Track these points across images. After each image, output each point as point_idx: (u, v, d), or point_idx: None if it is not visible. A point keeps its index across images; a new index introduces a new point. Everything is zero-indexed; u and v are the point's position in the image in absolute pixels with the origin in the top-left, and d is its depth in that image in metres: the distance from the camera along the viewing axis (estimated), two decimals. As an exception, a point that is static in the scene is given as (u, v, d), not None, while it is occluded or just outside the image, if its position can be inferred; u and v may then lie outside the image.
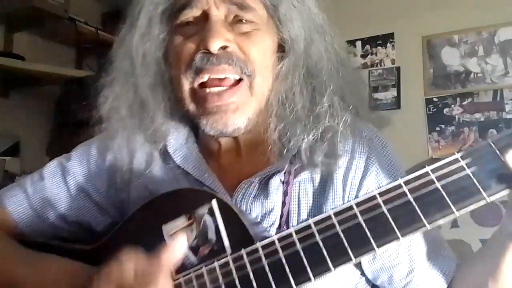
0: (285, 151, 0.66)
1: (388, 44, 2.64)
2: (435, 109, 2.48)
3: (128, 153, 0.73)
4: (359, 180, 0.65)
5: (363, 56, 2.72)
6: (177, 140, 0.73)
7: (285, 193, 0.65)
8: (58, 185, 0.77)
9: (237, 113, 0.65)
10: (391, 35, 2.64)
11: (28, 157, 2.61)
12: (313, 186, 0.66)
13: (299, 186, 0.66)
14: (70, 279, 0.60)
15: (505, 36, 2.35)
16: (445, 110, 2.46)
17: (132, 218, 0.66)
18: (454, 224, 2.11)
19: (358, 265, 0.66)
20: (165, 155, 0.72)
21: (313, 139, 0.65)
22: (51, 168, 0.80)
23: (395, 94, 2.60)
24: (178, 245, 0.52)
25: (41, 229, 0.76)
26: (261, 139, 0.69)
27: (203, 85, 0.66)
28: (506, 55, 2.36)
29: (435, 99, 2.50)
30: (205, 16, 0.66)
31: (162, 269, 0.50)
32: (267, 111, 0.68)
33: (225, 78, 0.65)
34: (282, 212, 0.64)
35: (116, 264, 0.51)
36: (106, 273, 0.51)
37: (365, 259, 0.64)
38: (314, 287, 0.55)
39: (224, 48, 0.64)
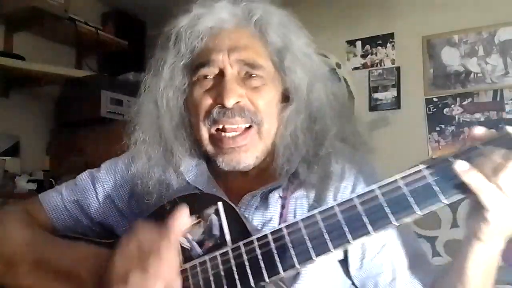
0: (285, 172, 0.77)
1: (388, 44, 2.65)
2: (435, 109, 2.48)
3: (153, 185, 0.82)
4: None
5: (363, 56, 2.72)
6: (190, 163, 0.84)
7: (282, 206, 0.75)
8: (88, 190, 0.89)
9: (248, 153, 0.76)
10: (391, 35, 2.64)
11: (28, 157, 2.61)
12: (308, 202, 0.76)
13: (296, 201, 0.76)
14: (95, 259, 0.69)
15: (505, 36, 2.35)
16: (445, 110, 2.46)
17: (150, 216, 0.75)
18: (454, 224, 2.11)
19: (348, 274, 0.75)
20: (179, 175, 0.83)
21: (312, 166, 0.75)
22: (84, 176, 0.92)
23: (395, 94, 2.60)
24: (180, 213, 0.60)
25: (71, 226, 0.88)
26: (266, 168, 0.80)
27: (219, 129, 0.77)
28: (506, 55, 2.37)
29: (435, 99, 2.50)
30: (221, 72, 0.77)
31: (167, 239, 0.58)
32: (273, 149, 0.79)
33: (238, 126, 0.77)
34: (279, 222, 0.74)
35: (130, 238, 0.60)
36: (123, 247, 0.60)
37: (353, 268, 0.73)
38: None
39: (237, 103, 0.75)
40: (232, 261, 0.63)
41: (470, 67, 2.43)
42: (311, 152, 0.76)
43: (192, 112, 0.81)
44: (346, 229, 0.57)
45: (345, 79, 2.75)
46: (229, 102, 0.74)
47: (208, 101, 0.77)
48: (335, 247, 0.58)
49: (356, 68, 2.73)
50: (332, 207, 0.59)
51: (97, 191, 0.89)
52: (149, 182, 0.82)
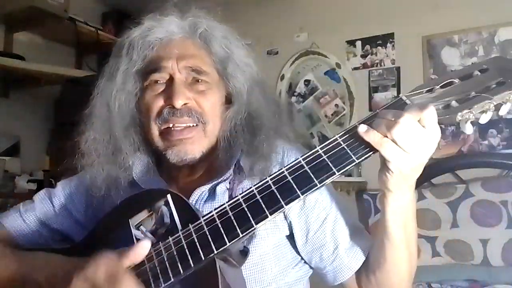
0: (229, 166, 0.86)
1: (388, 44, 2.64)
2: (435, 109, 2.48)
3: (103, 181, 0.89)
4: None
5: (363, 56, 2.72)
6: (142, 170, 0.92)
7: (230, 197, 0.82)
8: (46, 205, 0.96)
9: (194, 145, 0.85)
10: (391, 35, 2.64)
11: (28, 157, 2.61)
12: None
13: (242, 190, 0.82)
14: (52, 265, 0.76)
15: (505, 36, 2.35)
16: (445, 110, 2.46)
17: (105, 218, 0.83)
18: (454, 224, 2.10)
19: (297, 250, 0.84)
20: (133, 183, 0.91)
21: (253, 159, 0.84)
22: (41, 193, 1.00)
23: (395, 94, 2.60)
24: (141, 248, 0.68)
25: (32, 239, 0.94)
26: (210, 164, 0.89)
27: (168, 127, 0.86)
28: (506, 55, 2.36)
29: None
30: (171, 78, 0.86)
31: (127, 270, 0.65)
32: (216, 145, 0.88)
33: (185, 125, 0.85)
34: None
35: (92, 263, 0.65)
36: (83, 271, 0.65)
37: (299, 243, 0.83)
38: (259, 266, 0.79)
39: (185, 104, 0.83)
40: (183, 241, 0.69)
41: (470, 67, 2.43)
42: (248, 142, 0.85)
43: (143, 113, 0.88)
44: (279, 196, 0.66)
45: (345, 79, 2.75)
46: (178, 103, 0.82)
47: (159, 102, 0.85)
48: (271, 212, 0.66)
49: (356, 68, 2.73)
50: (266, 181, 0.68)
51: (54, 204, 0.96)
52: (98, 177, 0.89)
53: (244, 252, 0.74)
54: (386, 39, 2.65)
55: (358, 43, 2.73)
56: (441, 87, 0.67)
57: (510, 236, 1.96)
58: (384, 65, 2.65)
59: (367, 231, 0.87)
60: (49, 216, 0.95)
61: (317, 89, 2.83)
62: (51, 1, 2.30)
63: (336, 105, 2.77)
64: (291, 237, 0.84)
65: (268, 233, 0.81)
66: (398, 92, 2.59)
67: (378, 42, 2.67)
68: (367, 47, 2.70)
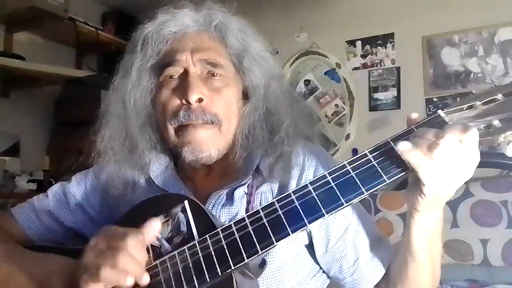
0: (248, 169, 0.83)
1: (388, 44, 2.65)
2: (435, 109, 2.47)
3: (120, 179, 0.88)
4: None
5: (363, 56, 2.72)
6: (158, 168, 0.89)
7: (248, 202, 0.80)
8: (60, 201, 0.94)
9: (209, 143, 0.82)
10: (391, 35, 2.64)
11: (28, 157, 2.61)
12: (272, 195, 0.82)
13: (261, 196, 0.81)
14: (66, 268, 0.72)
15: (505, 36, 2.35)
16: (445, 110, 2.46)
17: (120, 220, 0.78)
18: (454, 224, 2.10)
19: (315, 259, 0.81)
20: (149, 181, 0.89)
21: (272, 159, 0.82)
22: (55, 188, 0.97)
23: (395, 94, 2.60)
24: (152, 224, 0.64)
25: (46, 236, 0.92)
26: (228, 164, 0.85)
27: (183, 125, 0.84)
28: (506, 55, 2.36)
29: (435, 99, 2.50)
30: (185, 72, 0.83)
31: (135, 237, 0.62)
32: (234, 143, 0.85)
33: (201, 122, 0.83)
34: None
35: (100, 236, 0.64)
36: (92, 244, 0.63)
37: (318, 253, 0.80)
38: (278, 278, 0.76)
39: (200, 101, 0.81)
40: (200, 253, 0.66)
41: (470, 67, 2.43)
42: (267, 140, 0.83)
43: (159, 111, 0.86)
44: (302, 213, 0.63)
45: (345, 79, 2.75)
46: (193, 98, 0.79)
47: (174, 102, 0.82)
48: (293, 231, 0.63)
49: (356, 68, 2.73)
50: (289, 194, 0.65)
51: (69, 201, 0.94)
52: (115, 176, 0.87)
53: (262, 264, 0.71)
54: (386, 39, 2.65)
55: (358, 43, 2.73)
56: (483, 104, 0.61)
57: (510, 236, 1.96)
58: (384, 65, 2.65)
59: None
60: (62, 213, 0.93)
61: (317, 89, 2.83)
62: (51, 1, 2.30)
63: (336, 105, 2.77)
64: (310, 246, 0.81)
65: (288, 243, 0.77)
66: (398, 92, 2.59)
67: (378, 42, 2.67)
68: (367, 47, 2.70)
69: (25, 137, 2.60)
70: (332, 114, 2.77)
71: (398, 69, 2.61)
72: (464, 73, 2.44)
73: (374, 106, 2.66)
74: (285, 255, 0.77)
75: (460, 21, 2.42)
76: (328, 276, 0.85)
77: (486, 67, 2.40)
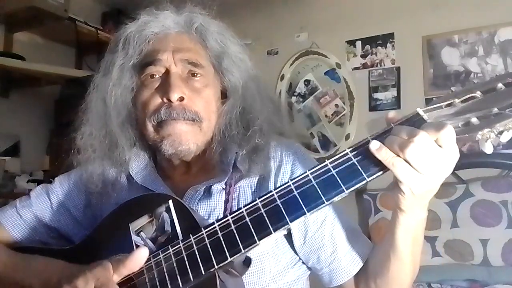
0: (225, 166, 0.85)
1: (388, 44, 2.64)
2: (435, 109, 2.48)
3: (99, 176, 0.90)
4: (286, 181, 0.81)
5: (363, 56, 2.72)
6: (138, 165, 0.92)
7: (227, 194, 0.82)
8: (43, 202, 0.95)
9: (189, 137, 0.84)
10: (391, 35, 2.64)
11: (28, 157, 2.61)
12: (251, 188, 0.84)
13: (239, 190, 0.84)
14: (48, 274, 0.75)
15: (505, 36, 2.35)
16: (445, 110, 2.45)
17: (105, 220, 0.81)
18: (454, 224, 2.10)
19: (295, 250, 0.83)
20: (129, 178, 0.91)
21: (247, 152, 0.84)
22: (37, 190, 0.98)
23: (395, 94, 2.60)
24: (139, 256, 0.67)
25: (30, 236, 0.93)
26: (206, 161, 0.89)
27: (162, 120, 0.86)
28: (506, 55, 2.36)
29: (435, 99, 2.48)
30: (167, 71, 0.85)
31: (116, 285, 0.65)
32: (212, 140, 0.88)
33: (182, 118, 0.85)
34: (224, 209, 0.82)
35: (83, 274, 0.66)
36: (73, 281, 0.66)
37: (297, 244, 0.81)
38: (258, 266, 0.78)
39: (181, 99, 0.83)
40: (183, 252, 0.67)
41: (470, 67, 2.43)
42: (241, 134, 0.86)
43: (139, 109, 0.88)
44: (284, 212, 0.63)
45: (345, 79, 2.75)
46: (174, 96, 0.82)
47: (156, 100, 0.85)
48: (275, 229, 0.63)
49: (356, 68, 2.73)
50: (271, 193, 0.65)
51: (52, 201, 0.95)
52: (94, 173, 0.89)
53: (247, 262, 0.72)
54: (386, 39, 2.65)
55: (358, 43, 2.73)
56: (462, 101, 0.61)
57: (510, 236, 1.96)
58: (384, 65, 2.65)
59: (367, 230, 0.87)
60: (46, 213, 0.94)
61: (317, 89, 2.83)
62: (51, 1, 2.30)
63: (336, 105, 2.77)
64: (289, 237, 0.83)
65: None
66: (398, 92, 2.59)
67: (378, 42, 2.67)
68: (367, 47, 2.70)
69: (25, 137, 2.61)
70: (332, 114, 2.77)
71: (398, 69, 2.61)
72: (464, 73, 2.44)
73: (374, 106, 2.66)
74: (265, 244, 0.78)
75: (460, 21, 2.42)
76: (308, 267, 0.87)
77: (486, 67, 2.40)
